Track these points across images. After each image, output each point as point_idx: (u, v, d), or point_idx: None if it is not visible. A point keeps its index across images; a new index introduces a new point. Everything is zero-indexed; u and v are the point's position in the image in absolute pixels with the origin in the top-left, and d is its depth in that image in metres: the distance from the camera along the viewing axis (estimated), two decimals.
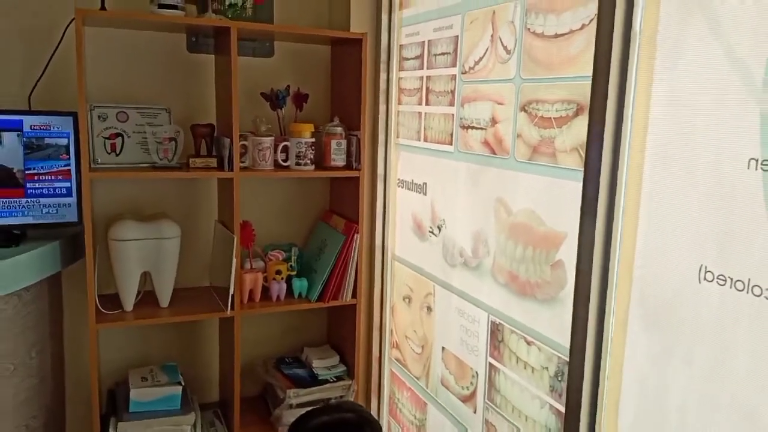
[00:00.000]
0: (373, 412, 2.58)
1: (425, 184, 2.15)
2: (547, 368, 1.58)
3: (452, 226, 2.00)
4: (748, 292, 1.06)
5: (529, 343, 1.64)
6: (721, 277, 1.11)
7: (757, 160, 1.04)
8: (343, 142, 2.20)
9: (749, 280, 1.06)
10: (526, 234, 1.64)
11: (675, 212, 1.21)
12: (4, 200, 1.87)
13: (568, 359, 1.44)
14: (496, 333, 1.78)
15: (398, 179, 2.34)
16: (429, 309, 2.16)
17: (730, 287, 1.09)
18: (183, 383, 2.15)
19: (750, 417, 1.07)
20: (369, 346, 2.53)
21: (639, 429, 1.30)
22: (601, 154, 1.30)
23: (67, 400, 2.26)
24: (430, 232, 2.13)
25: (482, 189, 1.83)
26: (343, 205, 2.38)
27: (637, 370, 1.30)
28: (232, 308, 2.09)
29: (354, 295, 2.27)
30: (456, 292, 1.98)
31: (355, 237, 2.22)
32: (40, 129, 1.88)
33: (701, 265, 1.15)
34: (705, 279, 1.14)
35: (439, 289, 2.09)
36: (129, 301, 2.06)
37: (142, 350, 2.33)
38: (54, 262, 1.96)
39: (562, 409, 1.49)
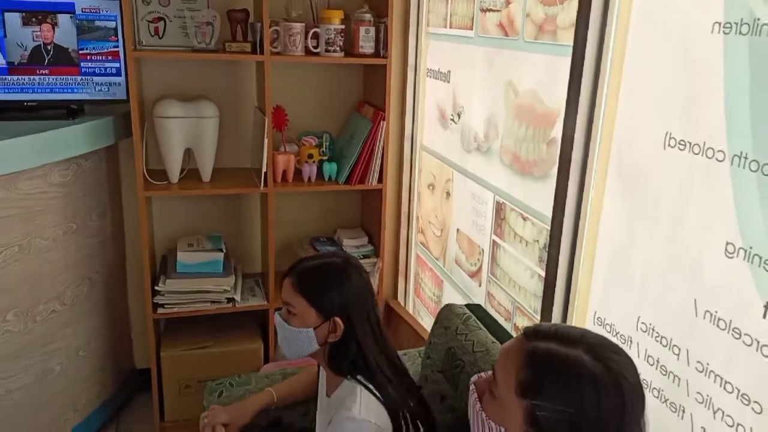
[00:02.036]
0: (400, 292, 2.77)
1: (449, 71, 2.20)
2: (537, 241, 1.68)
3: (469, 112, 2.06)
4: (702, 155, 1.11)
5: (524, 219, 1.74)
6: (682, 142, 1.16)
7: (720, 24, 1.06)
8: (372, 29, 2.26)
9: (704, 143, 1.11)
10: (528, 114, 1.70)
11: (649, 83, 1.24)
12: (62, 77, 2.09)
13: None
14: (499, 212, 1.88)
15: (427, 69, 2.40)
16: (448, 194, 2.28)
17: (689, 151, 1.14)
18: (224, 251, 2.39)
19: (695, 271, 1.15)
20: (397, 231, 2.69)
21: (609, 287, 1.40)
22: (587, 28, 1.33)
23: (127, 261, 2.57)
24: (451, 119, 2.20)
25: (495, 72, 1.87)
26: (374, 94, 2.47)
27: (610, 234, 1.38)
28: (266, 185, 2.27)
29: (380, 180, 2.40)
30: (470, 176, 2.07)
31: (381, 124, 2.32)
32: (90, 12, 2.06)
33: (667, 132, 1.19)
34: (669, 145, 1.19)
35: (456, 175, 2.19)
36: (174, 175, 2.29)
37: (191, 223, 2.58)
38: (108, 135, 2.19)
39: None
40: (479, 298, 2.03)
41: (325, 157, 2.43)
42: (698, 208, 1.13)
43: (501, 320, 1.85)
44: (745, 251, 1.02)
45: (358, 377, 1.38)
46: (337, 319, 1.38)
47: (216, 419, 1.66)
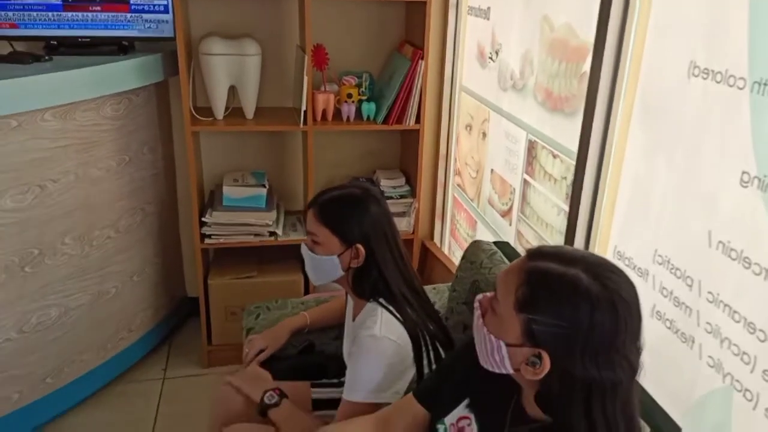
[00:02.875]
0: (437, 233, 2.82)
1: (489, 8, 2.17)
2: (565, 178, 1.68)
3: (507, 49, 2.04)
4: (724, 83, 1.09)
5: (554, 157, 1.74)
6: (705, 71, 1.14)
7: None
8: None
9: (726, 70, 1.09)
10: (562, 49, 1.68)
11: (677, 13, 1.21)
12: (113, 14, 2.18)
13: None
14: (531, 150, 1.89)
15: (468, 6, 2.37)
16: (484, 135, 2.28)
17: (711, 80, 1.12)
18: (267, 186, 2.49)
19: (711, 202, 1.14)
20: (435, 173, 2.72)
21: (629, 221, 1.40)
22: None
23: (178, 194, 2.71)
24: (489, 57, 2.19)
25: (532, 7, 1.85)
26: (415, 33, 2.46)
27: (633, 168, 1.38)
28: (305, 123, 2.33)
29: (417, 121, 2.42)
30: (505, 116, 2.07)
31: (419, 63, 2.32)
32: None
33: (691, 61, 1.17)
34: (693, 74, 1.17)
35: (493, 115, 2.18)
36: (219, 111, 2.38)
37: (237, 160, 2.69)
38: (157, 71, 2.29)
39: None
40: (509, 237, 2.06)
41: (365, 97, 2.46)
42: (717, 138, 1.12)
43: None
44: (760, 180, 1.02)
45: (380, 300, 1.45)
46: (359, 246, 1.44)
47: (254, 348, 1.78)
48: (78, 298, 2.20)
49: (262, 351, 1.75)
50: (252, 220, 2.45)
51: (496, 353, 0.99)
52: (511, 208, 2.05)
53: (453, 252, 2.72)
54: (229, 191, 2.45)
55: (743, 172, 1.05)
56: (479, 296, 1.08)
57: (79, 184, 2.11)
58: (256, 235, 2.47)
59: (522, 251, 1.93)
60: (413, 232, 2.60)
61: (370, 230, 1.46)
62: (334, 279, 1.53)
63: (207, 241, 2.44)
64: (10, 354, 2.01)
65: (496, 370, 1.02)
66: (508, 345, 0.97)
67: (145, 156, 2.41)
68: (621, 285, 0.94)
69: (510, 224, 2.06)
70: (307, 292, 2.61)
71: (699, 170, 1.16)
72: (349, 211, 1.47)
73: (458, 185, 2.60)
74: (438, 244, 2.80)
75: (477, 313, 1.05)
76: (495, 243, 1.81)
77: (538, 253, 1.00)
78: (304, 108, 2.30)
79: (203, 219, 2.41)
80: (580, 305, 0.91)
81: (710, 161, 1.13)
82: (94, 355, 2.32)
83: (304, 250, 1.53)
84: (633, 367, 0.93)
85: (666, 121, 1.26)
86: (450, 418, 1.18)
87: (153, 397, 2.43)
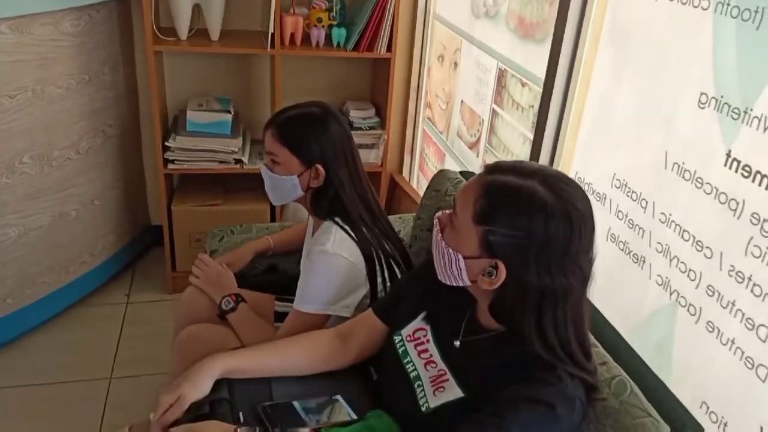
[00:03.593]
0: (405, 166, 2.83)
1: None
2: (532, 106, 1.69)
3: None
4: (689, 4, 1.09)
5: (523, 85, 1.74)
6: None
7: None
8: None
9: None
10: None
11: None
12: None
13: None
14: (501, 79, 1.88)
15: None
16: (455, 65, 2.26)
17: (677, 1, 1.12)
18: (233, 113, 2.44)
19: (669, 124, 1.16)
20: (405, 105, 2.70)
21: (592, 147, 1.42)
22: None
23: (141, 118, 2.64)
24: None
25: None
26: None
27: (597, 93, 1.39)
28: (272, 47, 2.27)
29: (389, 49, 2.38)
30: (476, 44, 2.05)
31: None
32: None
33: None
34: None
35: (465, 44, 2.16)
36: (183, 32, 2.30)
37: (203, 85, 2.62)
38: None
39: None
40: (475, 168, 2.07)
41: (335, 22, 2.40)
42: (679, 60, 1.13)
43: None
44: (717, 100, 1.03)
45: (336, 219, 1.46)
46: (318, 166, 1.44)
47: (218, 260, 1.78)
48: (37, 219, 2.16)
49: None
50: (217, 146, 2.41)
51: (454, 266, 1.02)
52: (478, 140, 2.06)
53: (421, 186, 2.73)
54: (194, 116, 2.39)
55: (701, 93, 1.06)
56: (438, 213, 1.09)
57: (37, 102, 2.04)
58: (221, 162, 2.44)
59: None
60: (381, 165, 2.60)
61: (330, 150, 1.45)
62: (293, 199, 1.53)
63: (170, 166, 2.40)
64: None
65: (454, 283, 1.05)
66: (465, 258, 1.00)
67: (106, 76, 2.33)
68: (575, 196, 0.96)
69: (477, 156, 2.07)
70: (273, 221, 2.61)
71: (660, 93, 1.18)
72: (309, 130, 1.45)
73: (428, 118, 2.59)
74: (407, 178, 2.81)
75: (436, 229, 1.06)
76: (461, 172, 1.82)
77: (495, 168, 1.01)
78: (271, 31, 2.23)
79: (166, 143, 2.36)
80: (536, 216, 0.93)
81: (672, 83, 1.15)
82: (56, 278, 2.29)
83: (263, 170, 1.51)
84: (585, 275, 0.96)
85: (632, 44, 1.26)
86: (407, 330, 1.21)
87: (116, 320, 2.44)
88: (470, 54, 2.10)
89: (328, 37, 2.40)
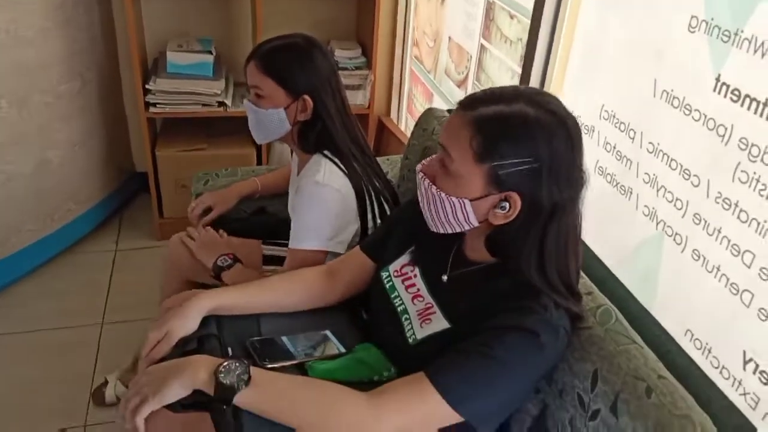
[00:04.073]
0: (393, 109, 2.78)
1: None
2: (521, 39, 1.64)
3: None
4: None
5: (512, 17, 1.69)
6: None
7: None
8: None
9: None
10: None
11: None
12: None
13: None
14: (489, 12, 1.83)
15: None
16: (443, 1, 2.19)
17: None
18: (214, 54, 2.37)
19: (659, 50, 1.13)
20: (392, 44, 2.63)
21: (580, 78, 1.40)
22: None
23: (121, 62, 2.57)
24: None
25: None
26: None
27: (587, 21, 1.35)
28: None
29: None
30: None
31: None
32: None
33: None
34: None
35: None
36: None
37: (183, 25, 2.54)
38: None
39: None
40: None
41: None
42: None
43: None
44: (707, 23, 1.00)
45: (325, 152, 1.43)
46: (306, 97, 1.40)
47: (201, 204, 1.76)
48: (18, 166, 2.12)
49: (209, 211, 1.74)
50: (199, 88, 2.35)
51: (460, 212, 0.98)
52: (466, 77, 2.02)
53: (409, 128, 2.69)
54: (174, 57, 2.33)
55: (692, 17, 1.03)
56: (418, 166, 1.04)
57: (10, 44, 1.97)
58: (204, 105, 2.39)
59: None
60: (369, 107, 2.55)
61: (317, 80, 1.41)
62: (280, 135, 1.49)
63: (152, 110, 2.34)
64: None
65: (458, 230, 1.02)
66: (472, 200, 0.96)
67: (81, 17, 2.25)
68: (561, 107, 0.95)
69: (465, 93, 2.03)
70: (260, 165, 2.57)
71: (650, 18, 1.14)
72: (295, 60, 1.41)
73: (416, 57, 2.53)
74: (395, 121, 2.77)
75: (426, 182, 1.01)
76: (448, 111, 1.79)
77: (473, 101, 0.97)
78: None
79: (147, 86, 2.30)
80: (538, 137, 0.92)
81: (662, 7, 1.11)
82: (41, 225, 2.27)
83: (247, 105, 1.47)
84: (585, 179, 0.96)
85: None
86: (394, 266, 1.21)
87: (106, 267, 2.43)
88: None
89: None
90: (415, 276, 1.17)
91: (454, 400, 0.95)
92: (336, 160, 1.42)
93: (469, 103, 0.97)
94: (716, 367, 1.02)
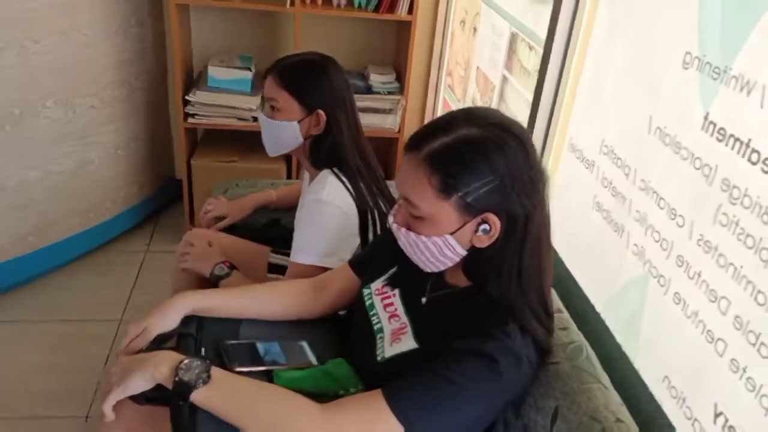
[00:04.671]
0: None
1: None
2: (538, 71, 1.63)
3: None
4: None
5: (530, 48, 1.69)
6: None
7: None
8: None
9: None
10: None
11: None
12: None
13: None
14: (512, 44, 1.83)
15: None
16: (474, 30, 2.21)
17: None
18: (254, 71, 2.46)
19: (655, 86, 1.11)
20: (427, 71, 2.66)
21: (585, 111, 1.38)
22: None
23: (169, 74, 2.70)
24: None
25: None
26: None
27: (594, 54, 1.34)
28: (293, 4, 2.28)
29: (410, 12, 2.34)
30: (493, 7, 2.00)
31: None
32: None
33: None
34: None
35: (484, 7, 2.10)
36: None
37: (228, 42, 2.65)
38: None
39: None
40: None
41: None
42: (667, 17, 1.07)
43: None
44: (699, 60, 0.98)
45: (333, 169, 1.46)
46: (320, 112, 1.44)
47: (215, 212, 1.81)
48: (60, 163, 2.24)
49: (223, 219, 1.79)
50: (236, 103, 2.44)
51: (446, 248, 0.99)
52: (489, 107, 2.02)
53: None
54: (215, 72, 2.43)
55: (686, 53, 1.01)
56: (390, 219, 1.05)
57: (62, 48, 2.11)
58: (240, 119, 2.48)
59: None
60: (399, 131, 2.58)
61: (331, 96, 1.45)
62: (291, 148, 1.52)
63: (190, 120, 2.45)
64: None
65: (449, 264, 1.02)
66: (452, 234, 0.97)
67: (133, 29, 2.38)
68: (501, 117, 0.97)
69: None
70: (290, 179, 2.63)
71: (649, 52, 1.12)
72: (311, 75, 1.45)
73: (449, 86, 2.55)
74: None
75: (402, 231, 1.01)
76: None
77: (417, 141, 0.97)
78: None
79: (187, 97, 2.41)
80: (490, 155, 0.92)
81: (659, 43, 1.09)
82: (78, 221, 2.39)
83: (261, 118, 1.52)
84: (544, 177, 0.96)
85: (625, 3, 1.20)
86: (376, 284, 1.22)
87: (134, 266, 2.53)
88: (488, 18, 2.05)
89: None
90: (395, 296, 1.17)
91: (406, 419, 0.94)
92: (343, 178, 1.44)
93: (414, 143, 0.97)
94: (689, 419, 0.97)
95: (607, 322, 1.21)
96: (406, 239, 1.01)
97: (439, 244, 0.98)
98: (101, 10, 2.20)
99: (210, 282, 1.61)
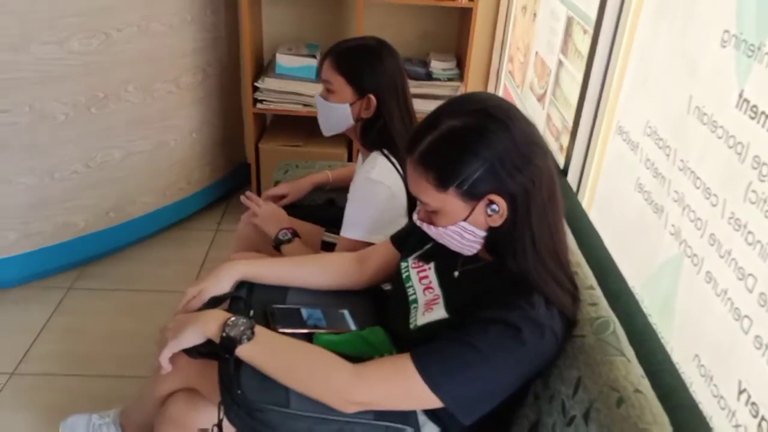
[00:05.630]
0: None
1: None
2: None
3: None
4: None
5: (585, 32, 1.68)
6: None
7: None
8: None
9: None
10: None
11: None
12: None
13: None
14: (568, 28, 1.82)
15: None
16: (535, 15, 2.20)
17: None
18: (319, 58, 2.56)
19: (695, 66, 1.10)
20: (489, 59, 2.67)
21: (632, 94, 1.37)
22: None
23: (241, 61, 2.84)
24: None
25: None
26: None
27: (642, 36, 1.33)
28: None
29: None
30: None
31: None
32: None
33: None
34: None
35: None
36: None
37: (297, 30, 2.77)
38: None
39: None
40: (540, 122, 2.04)
41: None
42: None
43: (551, 139, 1.87)
44: (736, 37, 0.97)
45: (384, 150, 1.52)
46: (371, 96, 1.50)
47: (277, 191, 1.92)
48: (139, 144, 2.42)
49: (283, 197, 1.89)
50: (302, 89, 2.55)
51: (466, 234, 1.04)
52: (545, 92, 2.02)
53: None
54: (282, 59, 2.55)
55: (725, 31, 1.00)
56: (414, 216, 1.12)
57: (142, 37, 2.27)
58: (305, 105, 2.58)
59: (550, 136, 1.92)
60: None
61: (383, 81, 1.50)
62: (344, 129, 1.60)
63: (258, 106, 2.57)
64: (77, 185, 2.28)
65: (478, 246, 1.07)
66: (465, 220, 1.02)
67: (208, 18, 2.53)
68: (479, 99, 1.01)
69: (543, 108, 2.03)
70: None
71: (690, 33, 1.11)
72: (365, 60, 1.52)
73: (510, 72, 2.55)
74: None
75: (426, 227, 1.08)
76: None
77: (411, 144, 1.03)
78: None
79: (256, 84, 2.54)
80: (474, 143, 0.97)
81: (700, 22, 1.08)
82: (154, 199, 2.57)
83: (317, 99, 1.60)
84: (538, 147, 0.99)
85: None
86: (413, 258, 1.27)
87: (205, 243, 2.69)
88: (547, 3, 2.04)
89: None
90: (430, 269, 1.22)
91: (431, 381, 1.00)
92: (393, 159, 1.50)
93: (409, 147, 1.04)
94: (715, 396, 0.97)
95: (645, 303, 1.21)
96: (434, 232, 1.08)
97: (459, 231, 1.04)
98: (179, 1, 2.35)
99: (268, 249, 1.74)
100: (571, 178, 1.61)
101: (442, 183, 0.99)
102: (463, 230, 1.04)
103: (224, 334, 1.07)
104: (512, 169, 0.96)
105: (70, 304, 2.28)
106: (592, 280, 1.15)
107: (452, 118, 0.98)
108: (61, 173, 2.21)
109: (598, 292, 1.13)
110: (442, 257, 1.21)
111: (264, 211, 1.75)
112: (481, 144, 0.96)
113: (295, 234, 1.65)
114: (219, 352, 1.09)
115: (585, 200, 1.58)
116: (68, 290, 2.34)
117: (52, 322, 2.18)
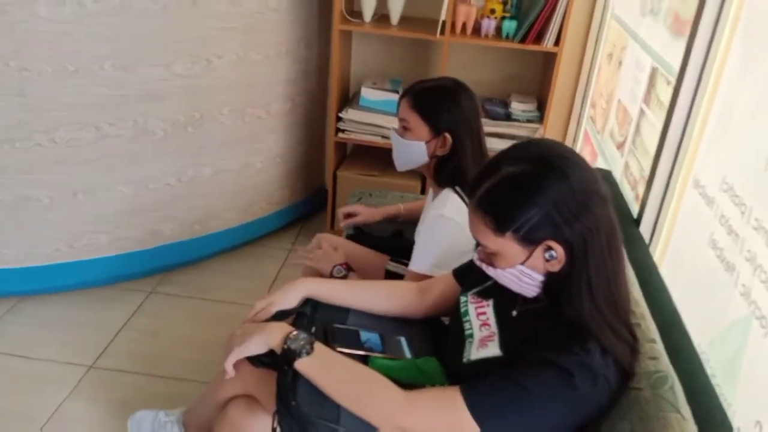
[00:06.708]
0: None
1: None
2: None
3: None
4: None
5: (668, 83, 1.66)
6: None
7: None
8: None
9: None
10: None
11: None
12: None
13: None
14: (652, 78, 1.81)
15: None
16: (620, 63, 2.20)
17: None
18: (401, 93, 2.64)
19: None
20: (571, 103, 2.67)
21: (710, 148, 1.34)
22: None
23: (329, 93, 2.97)
24: None
25: None
26: None
27: (726, 90, 1.31)
28: (442, 33, 2.42)
29: (557, 43, 2.38)
30: (638, 42, 1.99)
31: None
32: None
33: None
34: None
35: (630, 42, 2.10)
36: (368, 15, 2.56)
37: (383, 65, 2.87)
38: None
39: None
40: (618, 169, 2.01)
41: (508, 15, 2.47)
42: None
43: (627, 188, 1.85)
44: None
45: (456, 188, 1.56)
46: (447, 135, 1.55)
47: (351, 208, 1.99)
48: (228, 163, 2.57)
49: (354, 216, 1.97)
50: (382, 122, 2.63)
51: (524, 277, 1.07)
52: (625, 140, 2.00)
53: None
54: (366, 92, 2.65)
55: None
56: (475, 259, 1.15)
57: (240, 65, 2.43)
58: (383, 137, 2.66)
59: (627, 183, 1.90)
60: None
61: (459, 121, 1.55)
62: (417, 165, 1.65)
63: (340, 134, 2.68)
64: (168, 197, 2.44)
65: (536, 290, 1.08)
66: (523, 263, 1.04)
67: (301, 51, 2.68)
68: (539, 146, 1.04)
69: (622, 156, 2.01)
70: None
71: None
72: (441, 100, 1.57)
73: (591, 117, 2.54)
74: None
75: (489, 269, 1.11)
76: (598, 169, 1.80)
77: (472, 189, 1.07)
78: (443, 18, 2.38)
79: (340, 114, 2.65)
80: (531, 190, 0.99)
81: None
82: (236, 216, 2.71)
83: (393, 136, 1.66)
84: (596, 192, 1.00)
85: (757, 37, 1.17)
86: (472, 293, 1.29)
87: (278, 261, 2.80)
88: (633, 52, 2.04)
89: (499, 29, 2.48)
90: (488, 305, 1.24)
91: (478, 416, 1.01)
92: (464, 196, 1.54)
93: (470, 191, 1.08)
94: None
95: (710, 363, 1.17)
96: (490, 272, 1.11)
97: (516, 274, 1.06)
98: (274, 34, 2.51)
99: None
100: (644, 229, 1.59)
101: (500, 227, 1.02)
102: (521, 273, 1.06)
103: (286, 346, 1.13)
104: (569, 217, 0.97)
105: (150, 307, 2.43)
106: (654, 334, 1.13)
107: (511, 164, 1.02)
108: (155, 184, 2.39)
109: (660, 346, 1.11)
110: (502, 295, 1.22)
111: (316, 255, 1.78)
112: (537, 191, 0.98)
113: (349, 268, 1.70)
114: (279, 363, 1.15)
115: (657, 252, 1.55)
116: (149, 294, 2.49)
117: (132, 322, 2.33)
